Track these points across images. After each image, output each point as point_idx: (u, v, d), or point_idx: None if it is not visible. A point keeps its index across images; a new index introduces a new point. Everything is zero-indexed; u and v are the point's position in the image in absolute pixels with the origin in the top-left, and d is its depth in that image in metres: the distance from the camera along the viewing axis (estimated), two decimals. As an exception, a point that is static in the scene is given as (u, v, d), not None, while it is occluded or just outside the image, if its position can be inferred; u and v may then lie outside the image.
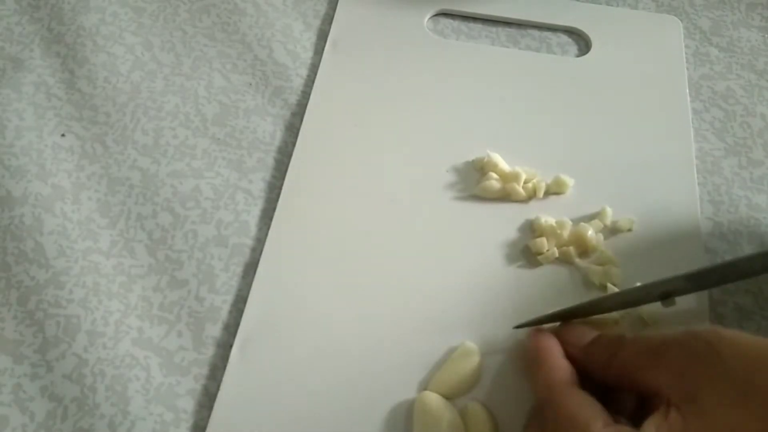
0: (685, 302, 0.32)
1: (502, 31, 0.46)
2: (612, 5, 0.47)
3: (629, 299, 0.32)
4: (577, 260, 0.36)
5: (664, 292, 0.32)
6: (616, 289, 0.34)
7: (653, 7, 0.47)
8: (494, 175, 0.38)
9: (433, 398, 0.31)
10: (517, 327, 0.33)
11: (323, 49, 0.44)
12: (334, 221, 0.37)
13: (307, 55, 0.44)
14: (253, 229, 0.37)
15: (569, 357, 0.30)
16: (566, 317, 0.32)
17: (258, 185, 0.39)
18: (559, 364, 0.29)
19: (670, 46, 0.45)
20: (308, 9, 0.46)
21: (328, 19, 0.46)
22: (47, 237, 0.36)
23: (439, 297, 0.35)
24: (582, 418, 0.26)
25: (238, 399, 0.32)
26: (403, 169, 0.39)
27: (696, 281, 0.31)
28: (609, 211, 0.37)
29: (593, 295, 0.35)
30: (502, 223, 0.37)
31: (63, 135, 0.40)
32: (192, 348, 0.33)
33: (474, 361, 0.32)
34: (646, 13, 0.47)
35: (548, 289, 0.35)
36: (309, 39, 0.45)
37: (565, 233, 0.36)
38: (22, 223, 0.36)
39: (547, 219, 0.36)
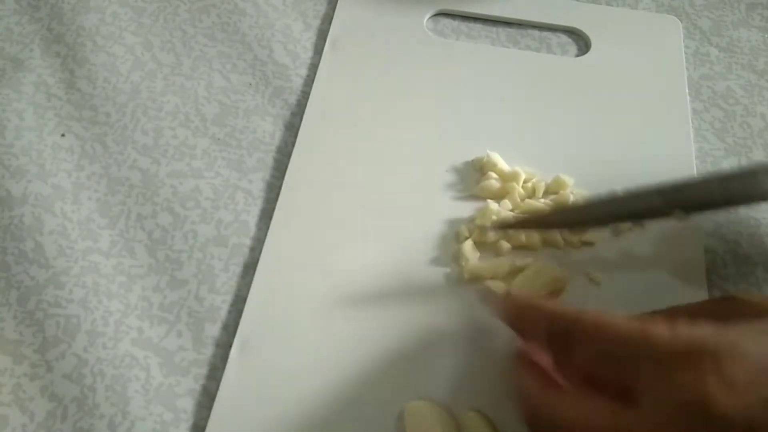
0: (682, 299, 0.32)
1: (502, 31, 0.46)
2: (612, 5, 0.47)
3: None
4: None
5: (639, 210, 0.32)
6: None
7: (653, 7, 0.47)
8: (494, 175, 0.38)
9: (423, 406, 0.31)
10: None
11: (323, 49, 0.44)
12: (333, 221, 0.37)
13: (307, 55, 0.44)
14: (252, 229, 0.37)
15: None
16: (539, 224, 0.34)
17: (258, 185, 0.39)
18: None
19: (670, 46, 0.45)
20: (308, 9, 0.46)
21: (328, 19, 0.46)
22: (47, 237, 0.36)
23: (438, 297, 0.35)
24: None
25: (237, 399, 0.32)
26: (403, 168, 0.39)
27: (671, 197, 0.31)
28: (608, 211, 0.37)
29: (591, 288, 0.35)
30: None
31: (63, 135, 0.40)
32: (192, 348, 0.33)
33: None
34: (646, 13, 0.47)
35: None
36: (309, 39, 0.45)
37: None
38: (22, 223, 0.36)
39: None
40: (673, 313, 0.28)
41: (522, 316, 0.29)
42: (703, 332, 0.24)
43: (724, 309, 0.26)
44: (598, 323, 0.26)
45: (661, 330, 0.24)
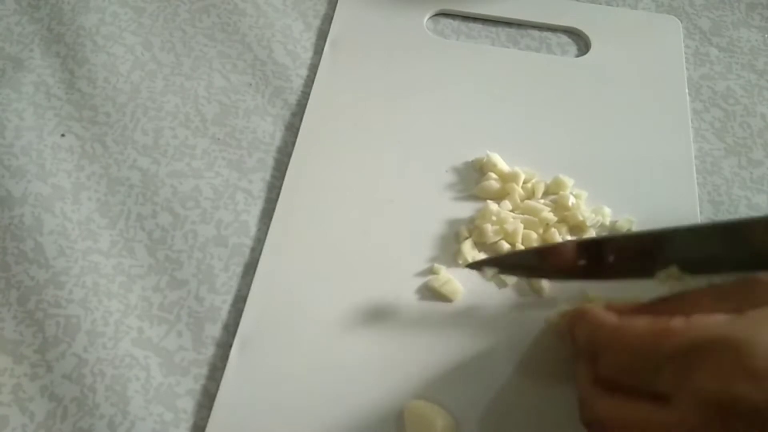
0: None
1: (502, 31, 0.46)
2: (612, 5, 0.47)
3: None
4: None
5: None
6: None
7: (653, 7, 0.47)
8: (493, 176, 0.38)
9: (422, 405, 0.31)
10: (469, 266, 0.34)
11: (323, 49, 0.44)
12: (333, 221, 0.37)
13: (307, 55, 0.44)
14: (252, 229, 0.37)
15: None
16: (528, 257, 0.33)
17: (258, 185, 0.39)
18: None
19: (669, 46, 0.45)
20: (308, 9, 0.46)
21: (328, 19, 0.46)
22: (47, 237, 0.36)
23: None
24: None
25: (237, 399, 0.32)
26: (403, 169, 0.39)
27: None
28: (608, 211, 0.37)
29: (591, 287, 0.35)
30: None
31: (63, 135, 0.40)
32: (192, 348, 0.33)
33: None
34: (645, 13, 0.47)
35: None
36: (309, 39, 0.45)
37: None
38: (22, 223, 0.36)
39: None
40: (697, 296, 0.28)
41: (573, 327, 0.30)
42: (719, 323, 0.24)
43: (747, 291, 0.26)
44: (614, 334, 0.27)
45: (676, 328, 0.25)
